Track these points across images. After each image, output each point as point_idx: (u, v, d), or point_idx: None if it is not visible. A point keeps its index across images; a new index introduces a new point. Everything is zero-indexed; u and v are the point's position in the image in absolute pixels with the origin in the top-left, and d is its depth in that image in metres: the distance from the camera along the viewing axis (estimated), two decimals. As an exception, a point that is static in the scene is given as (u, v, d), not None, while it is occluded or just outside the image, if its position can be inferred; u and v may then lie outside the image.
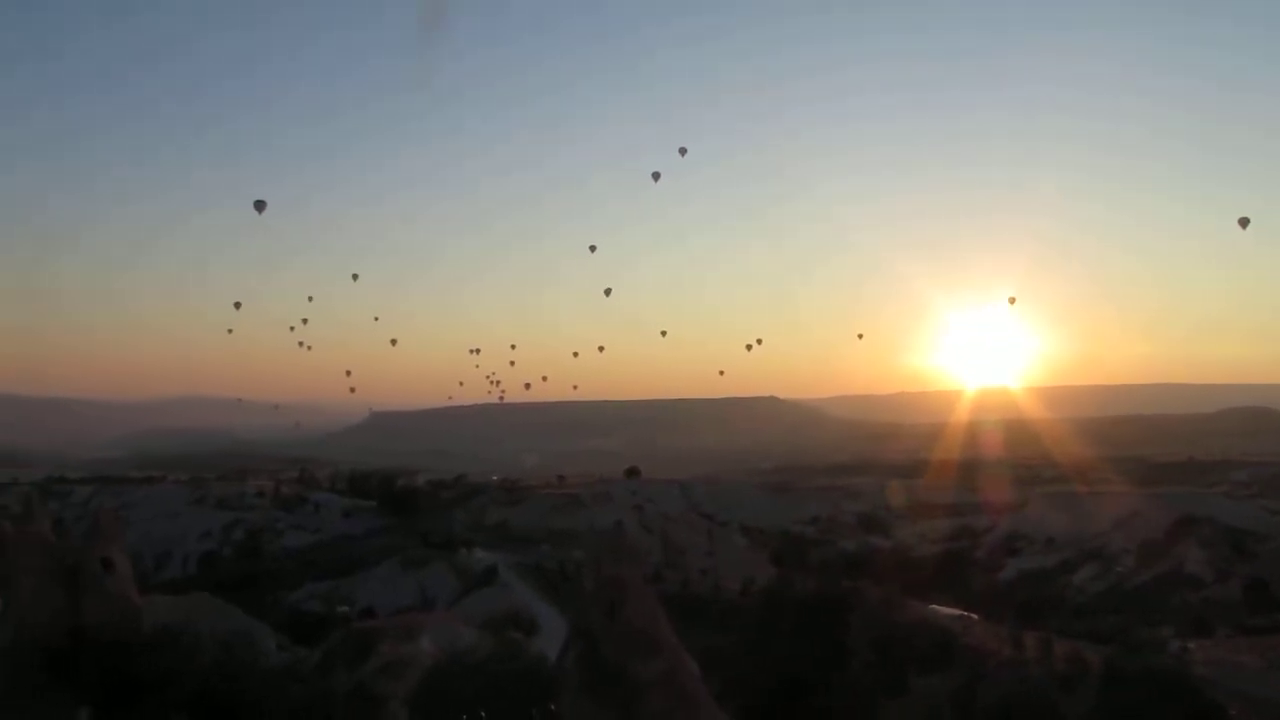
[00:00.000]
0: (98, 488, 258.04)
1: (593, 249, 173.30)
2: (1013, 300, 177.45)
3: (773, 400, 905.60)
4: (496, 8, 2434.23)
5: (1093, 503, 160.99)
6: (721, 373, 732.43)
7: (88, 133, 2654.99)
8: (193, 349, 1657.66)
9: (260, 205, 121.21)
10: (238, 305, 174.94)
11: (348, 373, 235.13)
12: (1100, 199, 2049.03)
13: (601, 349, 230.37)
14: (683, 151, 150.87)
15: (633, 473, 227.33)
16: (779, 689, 29.24)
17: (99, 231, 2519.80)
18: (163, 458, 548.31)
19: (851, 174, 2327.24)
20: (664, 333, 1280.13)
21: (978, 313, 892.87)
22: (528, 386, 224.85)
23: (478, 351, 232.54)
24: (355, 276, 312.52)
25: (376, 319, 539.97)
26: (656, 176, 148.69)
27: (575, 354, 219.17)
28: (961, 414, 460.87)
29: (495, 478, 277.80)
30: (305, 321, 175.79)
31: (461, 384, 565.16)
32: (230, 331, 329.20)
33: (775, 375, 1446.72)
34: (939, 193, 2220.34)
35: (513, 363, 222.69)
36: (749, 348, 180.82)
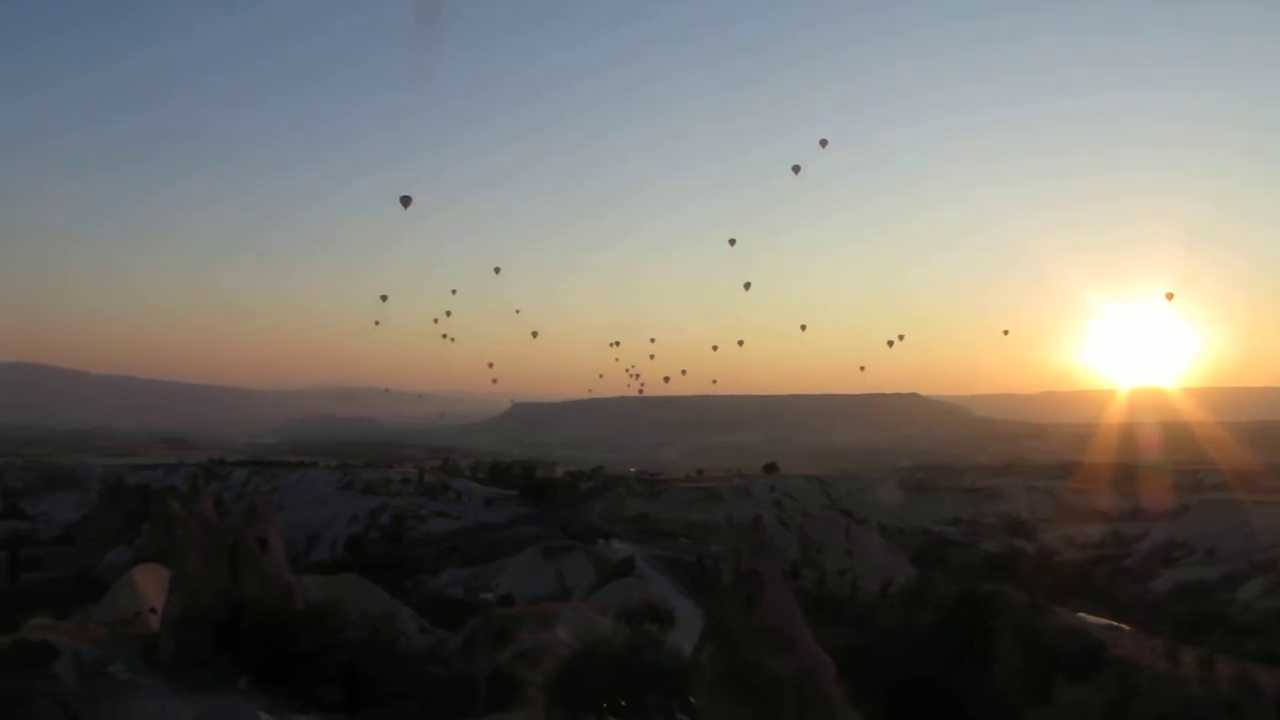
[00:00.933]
0: (254, 471, 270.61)
1: (732, 242, 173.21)
2: (1170, 296, 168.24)
3: (914, 397, 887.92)
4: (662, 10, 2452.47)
5: (1260, 513, 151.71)
6: (862, 368, 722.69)
7: (250, 143, 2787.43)
8: (343, 341, 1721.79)
9: (406, 201, 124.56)
10: (384, 298, 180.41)
11: (490, 364, 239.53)
12: (1265, 187, 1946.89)
13: (741, 343, 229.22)
14: (823, 143, 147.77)
15: (771, 468, 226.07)
16: (918, 693, 28.75)
17: (261, 230, 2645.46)
18: (314, 444, 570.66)
19: (994, 160, 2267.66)
20: (803, 327, 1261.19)
21: (1132, 309, 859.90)
22: (667, 380, 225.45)
23: (618, 344, 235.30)
24: (498, 270, 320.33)
25: (518, 312, 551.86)
26: (797, 169, 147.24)
27: (714, 348, 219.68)
28: (1114, 415, 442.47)
29: (633, 470, 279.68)
30: (449, 314, 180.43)
31: (601, 376, 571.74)
32: (377, 324, 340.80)
33: (917, 372, 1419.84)
34: (1090, 178, 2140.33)
35: (652, 356, 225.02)
36: (890, 344, 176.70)
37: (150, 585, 57.67)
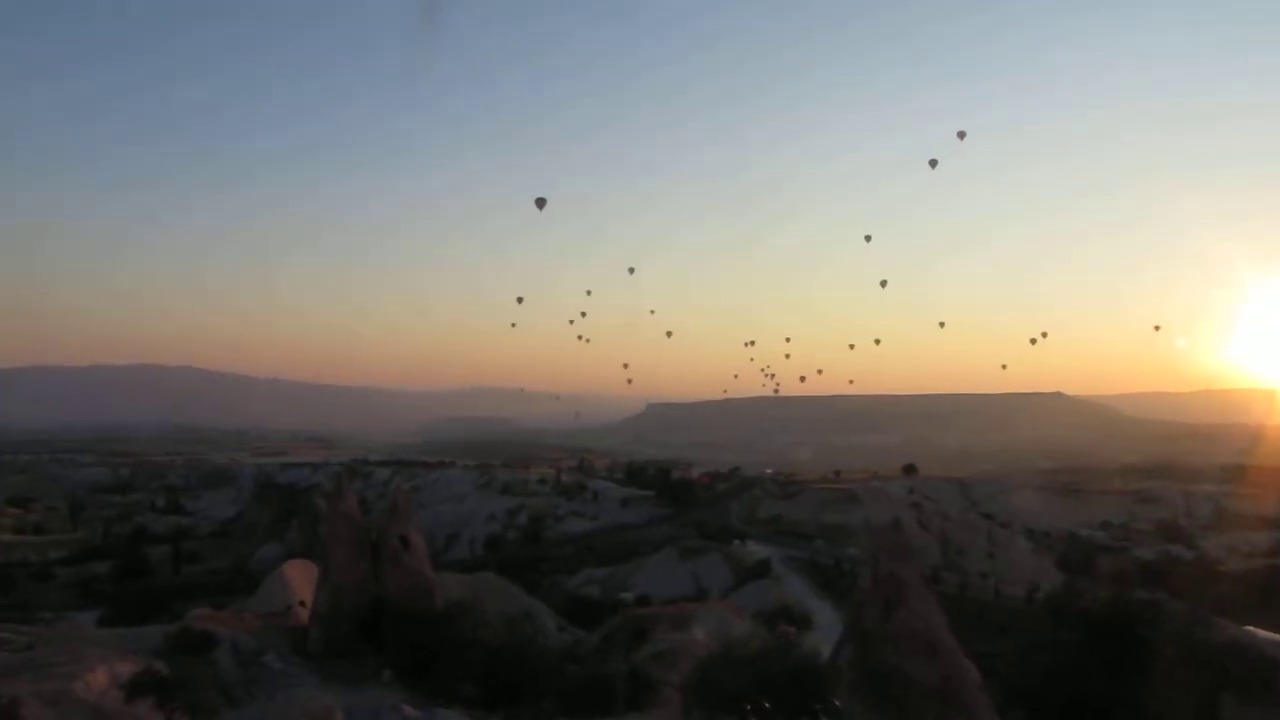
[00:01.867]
0: (395, 470, 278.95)
1: (868, 239, 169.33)
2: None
3: (1059, 397, 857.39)
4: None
5: None
6: (1004, 367, 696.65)
7: (391, 147, 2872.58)
8: (480, 343, 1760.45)
9: (541, 202, 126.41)
10: (520, 300, 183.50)
11: (625, 365, 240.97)
12: None
13: (878, 342, 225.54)
14: (961, 135, 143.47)
15: (910, 469, 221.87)
16: (1067, 705, 27.71)
17: (401, 233, 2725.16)
18: (452, 444, 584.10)
19: (1146, 149, 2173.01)
20: (942, 324, 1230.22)
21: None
22: (803, 379, 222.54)
23: (752, 344, 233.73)
24: (632, 270, 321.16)
25: (653, 312, 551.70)
26: (934, 163, 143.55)
27: (851, 346, 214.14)
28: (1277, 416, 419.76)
29: (769, 471, 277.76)
30: (584, 315, 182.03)
31: (736, 377, 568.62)
32: (513, 326, 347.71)
33: (1062, 370, 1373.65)
34: (1248, 167, 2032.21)
35: (788, 356, 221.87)
36: (1033, 341, 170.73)
37: (300, 580, 60.02)
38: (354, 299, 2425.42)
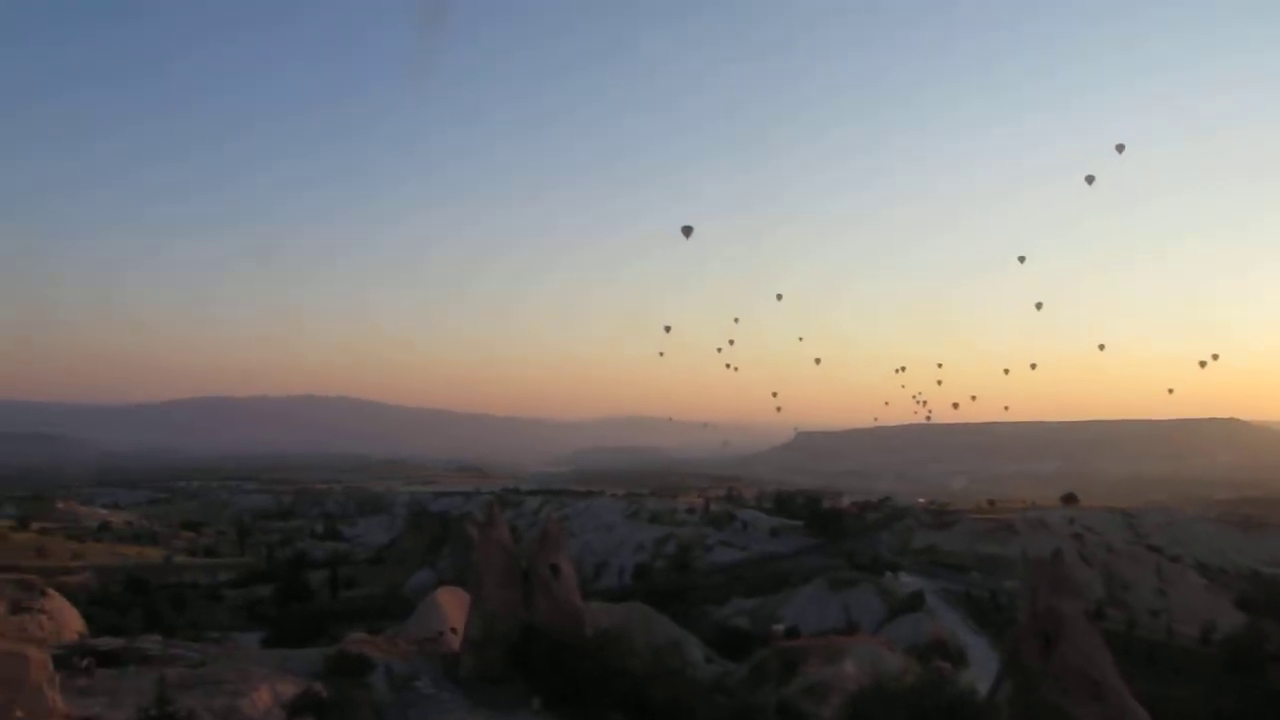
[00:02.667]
0: (545, 499, 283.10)
1: (1022, 259, 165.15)
2: None
3: (1232, 422, 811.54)
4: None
5: None
6: (1171, 391, 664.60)
7: (544, 186, 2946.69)
8: (629, 372, 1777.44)
9: (688, 230, 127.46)
10: (668, 329, 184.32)
11: (774, 394, 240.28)
12: None
13: (1034, 366, 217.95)
14: (1120, 148, 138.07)
15: (1070, 499, 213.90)
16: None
17: (552, 265, 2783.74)
18: (601, 473, 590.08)
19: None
20: (1101, 346, 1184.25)
21: None
22: (956, 406, 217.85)
23: (903, 370, 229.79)
24: (779, 297, 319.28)
25: (801, 339, 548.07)
26: (1090, 180, 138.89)
27: (1006, 371, 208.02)
28: None
29: (921, 500, 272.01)
30: (732, 343, 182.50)
31: (887, 404, 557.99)
32: (661, 355, 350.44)
33: (1235, 394, 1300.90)
34: None
35: (940, 381, 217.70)
36: (1203, 364, 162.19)
37: (452, 606, 61.44)
38: (506, 330, 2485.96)
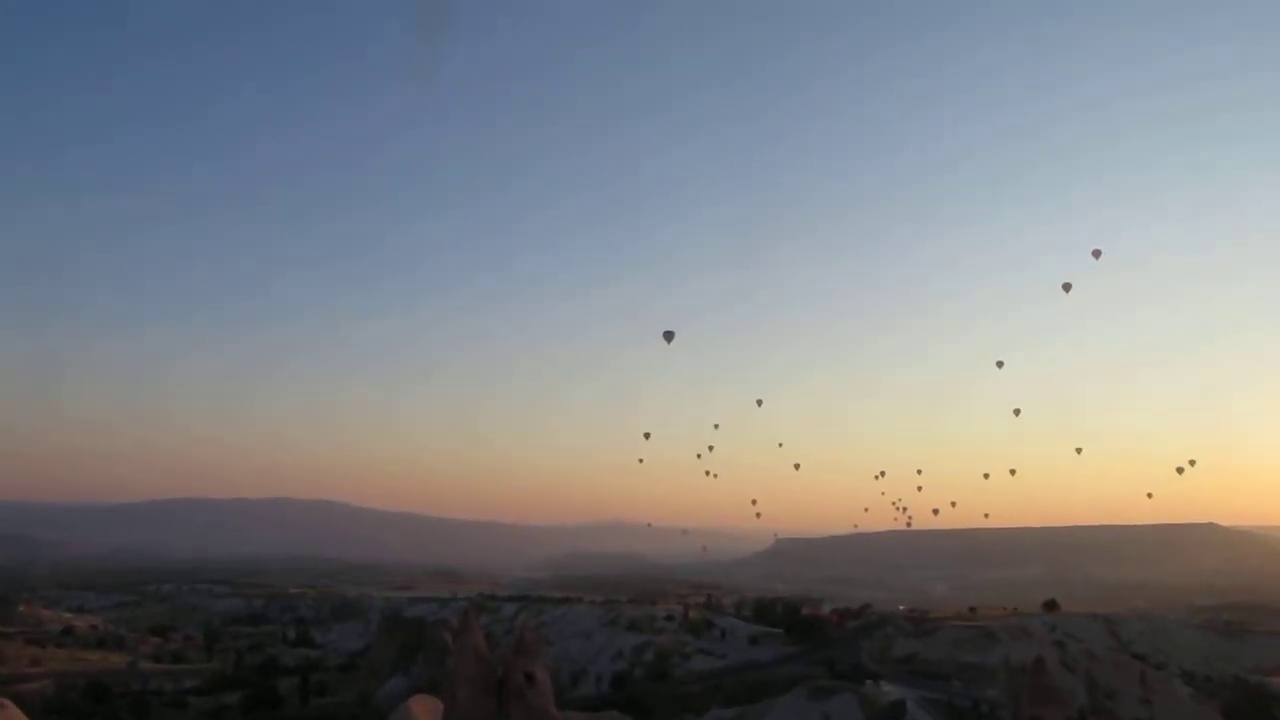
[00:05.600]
0: (522, 605, 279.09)
1: (1000, 364, 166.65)
2: None
3: (1212, 528, 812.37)
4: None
5: None
6: (1150, 496, 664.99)
7: (515, 286, 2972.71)
8: (607, 478, 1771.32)
9: (669, 335, 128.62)
10: (647, 435, 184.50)
11: (753, 501, 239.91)
12: None
13: (1013, 471, 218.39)
14: (1096, 254, 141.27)
15: (1052, 605, 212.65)
16: None
17: (527, 369, 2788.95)
18: (579, 579, 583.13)
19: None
20: (1079, 450, 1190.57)
21: None
22: (936, 512, 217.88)
23: (883, 475, 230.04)
24: (760, 402, 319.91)
25: (780, 445, 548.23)
26: (1068, 287, 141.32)
27: (986, 476, 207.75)
28: None
29: (902, 607, 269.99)
30: (711, 449, 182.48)
31: (867, 510, 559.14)
32: (640, 461, 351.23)
33: (1214, 499, 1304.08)
34: None
35: (920, 488, 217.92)
36: (1180, 470, 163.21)
37: (425, 715, 59.88)
38: (481, 434, 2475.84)
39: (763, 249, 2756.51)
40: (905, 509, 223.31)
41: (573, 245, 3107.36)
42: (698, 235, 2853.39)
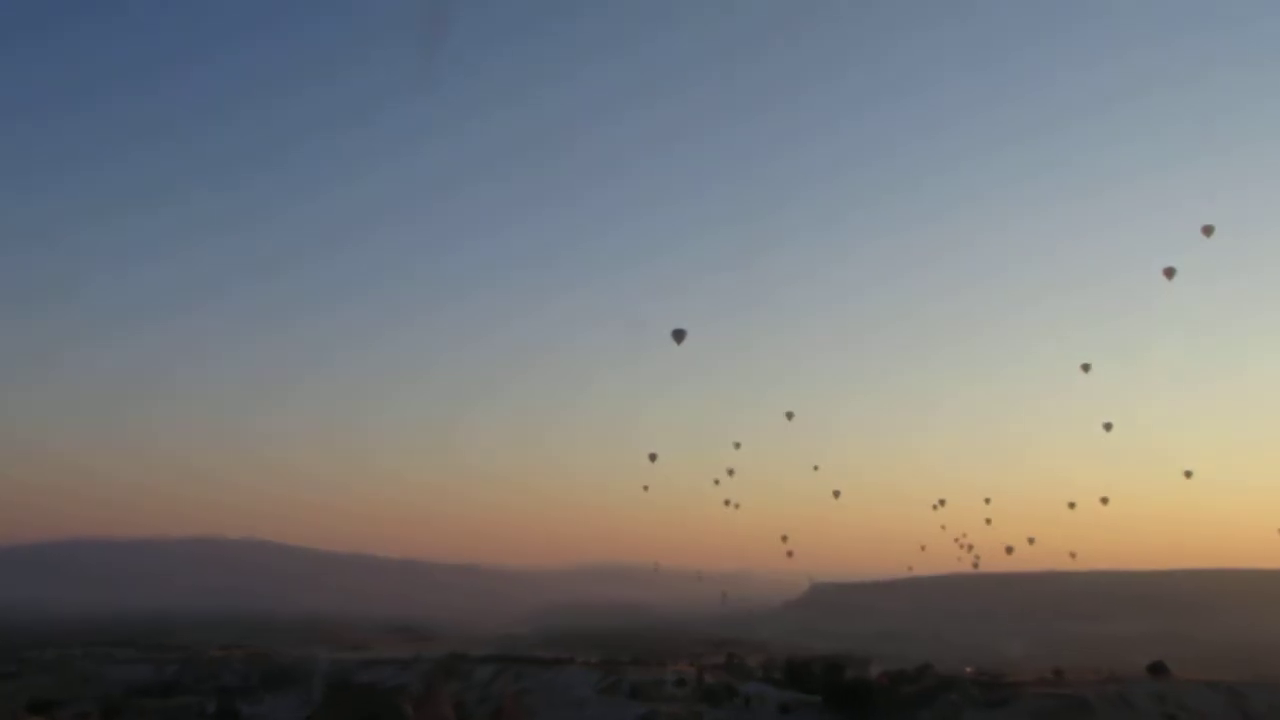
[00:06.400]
0: (501, 668, 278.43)
1: (1086, 368, 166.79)
2: None
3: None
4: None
5: None
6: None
7: (486, 285, 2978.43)
8: (605, 510, 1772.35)
9: (679, 335, 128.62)
10: (653, 457, 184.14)
11: (784, 537, 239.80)
12: None
13: (1105, 500, 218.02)
14: (1207, 230, 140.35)
15: (1158, 669, 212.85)
16: None
17: (511, 379, 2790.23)
18: (572, 634, 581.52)
19: None
20: (1188, 473, 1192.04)
21: None
22: (1009, 551, 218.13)
23: (943, 504, 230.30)
24: (790, 415, 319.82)
25: (817, 468, 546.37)
26: (1171, 273, 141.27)
27: (1071, 505, 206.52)
28: None
29: (969, 669, 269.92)
30: (731, 473, 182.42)
31: (924, 548, 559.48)
32: (646, 489, 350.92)
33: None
34: None
35: (989, 520, 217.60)
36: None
37: (379, 807, 59.76)
38: (449, 458, 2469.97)
39: (791, 233, 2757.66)
40: (971, 546, 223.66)
41: (561, 265, 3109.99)
42: (705, 223, 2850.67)
